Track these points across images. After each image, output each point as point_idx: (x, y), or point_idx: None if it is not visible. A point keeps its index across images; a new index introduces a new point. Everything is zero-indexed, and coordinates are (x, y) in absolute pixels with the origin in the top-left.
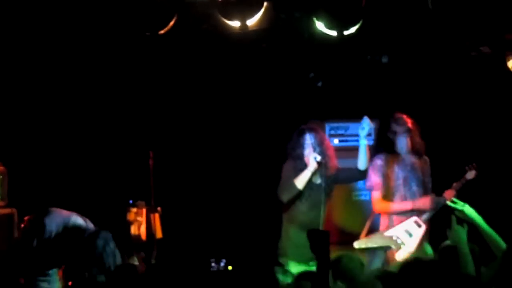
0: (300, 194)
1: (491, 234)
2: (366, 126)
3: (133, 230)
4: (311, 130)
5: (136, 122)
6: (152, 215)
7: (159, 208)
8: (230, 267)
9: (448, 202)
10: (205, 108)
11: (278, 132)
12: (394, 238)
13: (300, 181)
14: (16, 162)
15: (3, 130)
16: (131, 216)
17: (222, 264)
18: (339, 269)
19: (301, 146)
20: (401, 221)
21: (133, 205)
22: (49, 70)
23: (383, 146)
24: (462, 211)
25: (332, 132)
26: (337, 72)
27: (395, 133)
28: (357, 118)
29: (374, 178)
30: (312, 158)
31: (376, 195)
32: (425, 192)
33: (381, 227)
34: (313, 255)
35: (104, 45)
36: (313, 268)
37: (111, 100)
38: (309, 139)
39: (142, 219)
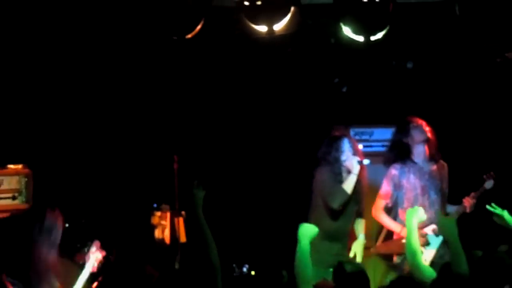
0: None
1: None
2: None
3: (157, 234)
4: (346, 135)
5: (161, 126)
6: (176, 219)
7: (183, 212)
8: (253, 272)
9: (488, 206)
10: (230, 112)
11: (302, 137)
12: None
13: (349, 186)
14: (41, 165)
15: (29, 133)
16: (155, 220)
17: (244, 269)
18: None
19: (338, 151)
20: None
21: (158, 209)
22: (75, 74)
23: (398, 153)
24: (501, 217)
25: (357, 137)
26: (361, 77)
27: (413, 140)
28: (382, 124)
29: (385, 188)
30: (355, 162)
31: (380, 203)
32: (443, 200)
33: (395, 235)
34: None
35: (130, 49)
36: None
37: (136, 104)
38: (347, 144)
39: (166, 223)
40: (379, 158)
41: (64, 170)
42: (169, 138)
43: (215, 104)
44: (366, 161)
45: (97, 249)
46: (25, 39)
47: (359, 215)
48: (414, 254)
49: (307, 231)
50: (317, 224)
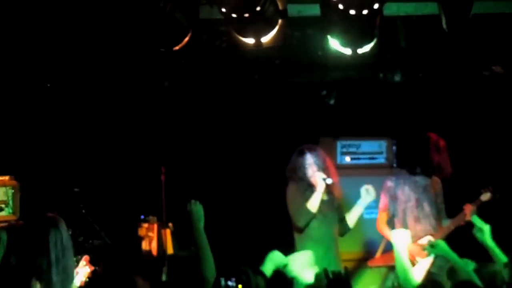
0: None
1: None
2: (371, 195)
3: (144, 245)
4: (311, 149)
5: (148, 137)
6: (163, 231)
7: (170, 224)
8: (240, 286)
9: (472, 218)
10: (217, 124)
11: (289, 149)
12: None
13: (313, 205)
14: (29, 177)
15: (17, 145)
16: (142, 232)
17: (230, 283)
18: None
19: (302, 167)
20: (416, 241)
21: (145, 221)
22: (63, 86)
23: (403, 164)
24: (481, 230)
25: (344, 150)
26: (349, 89)
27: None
28: (369, 136)
29: (383, 199)
30: (320, 179)
31: (381, 215)
32: (438, 214)
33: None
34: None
35: (118, 61)
36: None
37: (123, 115)
38: (310, 159)
39: (153, 234)
40: (366, 170)
41: (52, 181)
42: (156, 149)
43: (202, 116)
44: (329, 181)
45: (86, 263)
46: (9, 52)
47: (343, 220)
48: (405, 273)
49: (275, 258)
50: (302, 235)
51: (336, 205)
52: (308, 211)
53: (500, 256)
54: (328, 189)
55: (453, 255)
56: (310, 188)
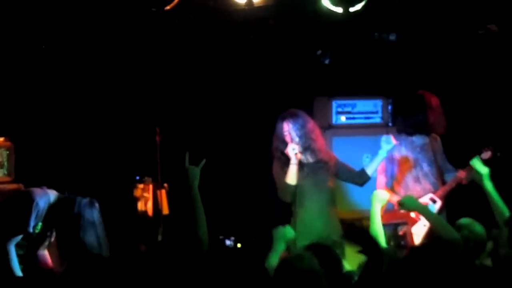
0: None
1: (498, 202)
2: (390, 143)
3: (140, 206)
4: (285, 117)
5: (143, 98)
6: (158, 191)
7: (165, 184)
8: (239, 245)
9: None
10: (212, 84)
11: (285, 109)
12: (411, 214)
13: (291, 178)
14: (23, 138)
15: (11, 106)
16: (138, 192)
17: (228, 242)
18: None
19: (280, 139)
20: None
21: (140, 181)
22: (55, 47)
23: (398, 125)
24: (479, 173)
25: (339, 109)
26: (344, 49)
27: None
28: (365, 96)
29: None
30: (290, 151)
31: (381, 179)
32: (438, 171)
33: (395, 206)
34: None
35: (110, 21)
36: None
37: (118, 76)
38: (286, 127)
39: (149, 195)
40: (361, 130)
41: (46, 143)
42: (151, 110)
43: (196, 76)
44: (295, 150)
45: None
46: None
47: (348, 177)
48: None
49: (283, 234)
50: (297, 201)
51: (325, 167)
52: (288, 185)
53: (499, 202)
54: (312, 153)
55: (425, 209)
56: (288, 161)
